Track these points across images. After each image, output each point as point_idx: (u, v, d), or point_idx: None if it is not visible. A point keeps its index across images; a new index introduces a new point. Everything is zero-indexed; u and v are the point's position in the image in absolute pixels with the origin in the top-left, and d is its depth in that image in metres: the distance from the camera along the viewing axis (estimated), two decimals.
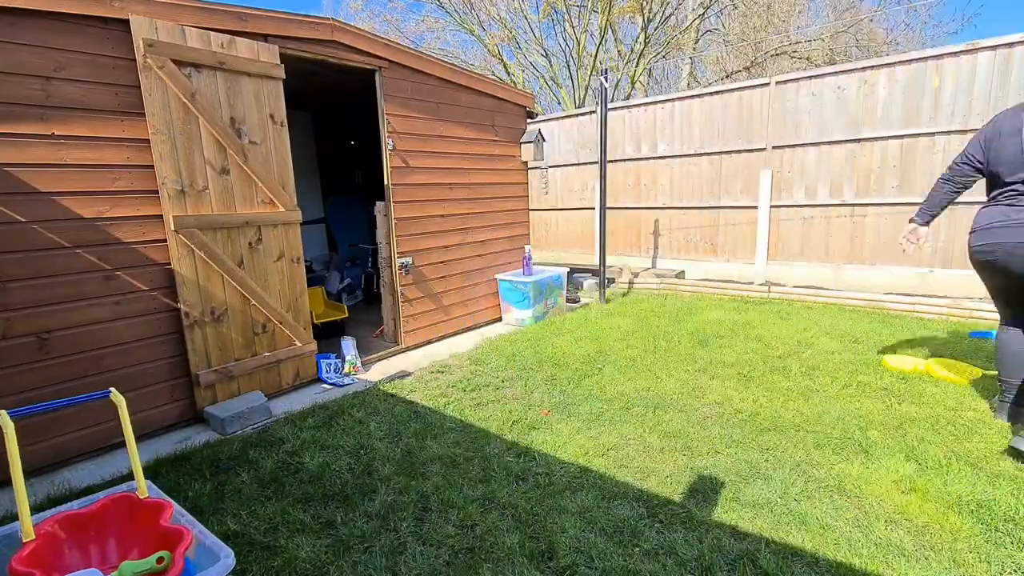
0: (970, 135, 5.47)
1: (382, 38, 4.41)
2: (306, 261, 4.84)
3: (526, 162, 5.89)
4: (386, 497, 2.47)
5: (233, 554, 1.59)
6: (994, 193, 2.83)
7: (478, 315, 5.63)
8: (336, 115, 7.28)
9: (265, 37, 3.55)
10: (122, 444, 2.79)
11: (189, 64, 3.15)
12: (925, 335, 4.57)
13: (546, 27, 17.81)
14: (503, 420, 3.24)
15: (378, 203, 4.65)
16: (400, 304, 4.73)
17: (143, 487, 1.81)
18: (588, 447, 2.87)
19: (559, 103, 17.67)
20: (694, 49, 17.33)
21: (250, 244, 3.56)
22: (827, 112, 6.33)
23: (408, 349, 4.87)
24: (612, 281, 7.47)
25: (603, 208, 6.24)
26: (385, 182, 4.52)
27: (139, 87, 2.98)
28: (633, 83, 17.08)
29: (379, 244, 4.77)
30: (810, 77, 6.43)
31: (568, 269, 6.61)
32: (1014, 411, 2.93)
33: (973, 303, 5.06)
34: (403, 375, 4.18)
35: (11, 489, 1.95)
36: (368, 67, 4.24)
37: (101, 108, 2.88)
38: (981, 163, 2.84)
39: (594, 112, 8.55)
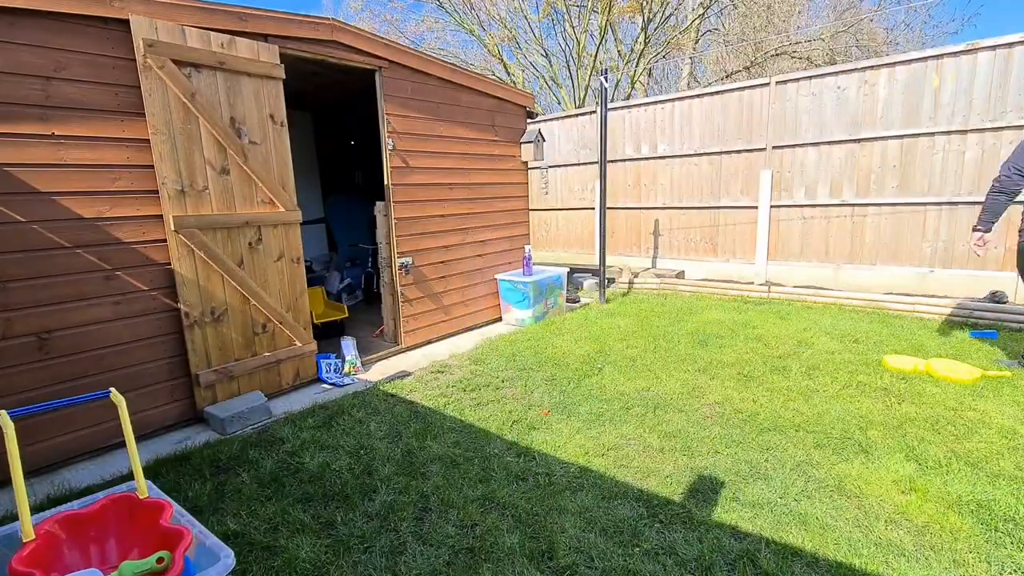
0: (970, 135, 5.50)
1: (382, 38, 4.41)
2: (306, 261, 4.84)
3: (526, 162, 5.89)
4: (386, 497, 2.47)
5: (233, 554, 1.59)
6: None
7: (478, 315, 5.63)
8: (336, 115, 7.28)
9: (265, 37, 3.55)
10: (122, 444, 2.79)
11: (189, 64, 3.15)
12: (925, 335, 4.57)
13: (546, 27, 17.83)
14: (503, 420, 3.24)
15: (378, 203, 4.65)
16: (400, 304, 4.73)
17: (143, 487, 1.81)
18: (588, 447, 2.87)
19: (559, 103, 17.68)
20: (694, 49, 17.33)
21: (250, 244, 3.56)
22: (827, 112, 6.33)
23: (408, 349, 4.87)
24: (612, 281, 7.47)
25: (603, 208, 6.24)
26: (385, 182, 4.52)
27: (139, 87, 2.98)
28: (633, 83, 17.08)
29: (379, 244, 4.77)
30: (810, 77, 6.43)
31: (568, 269, 6.61)
32: None
33: (973, 303, 5.06)
34: (403, 375, 4.18)
35: (11, 489, 1.95)
36: (368, 67, 4.24)
37: (101, 108, 2.88)
38: None
39: (594, 112, 8.55)
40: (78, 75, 2.80)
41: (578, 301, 6.55)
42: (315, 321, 4.53)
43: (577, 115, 8.91)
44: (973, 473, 2.47)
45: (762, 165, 6.89)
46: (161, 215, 3.14)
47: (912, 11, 15.08)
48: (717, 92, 7.23)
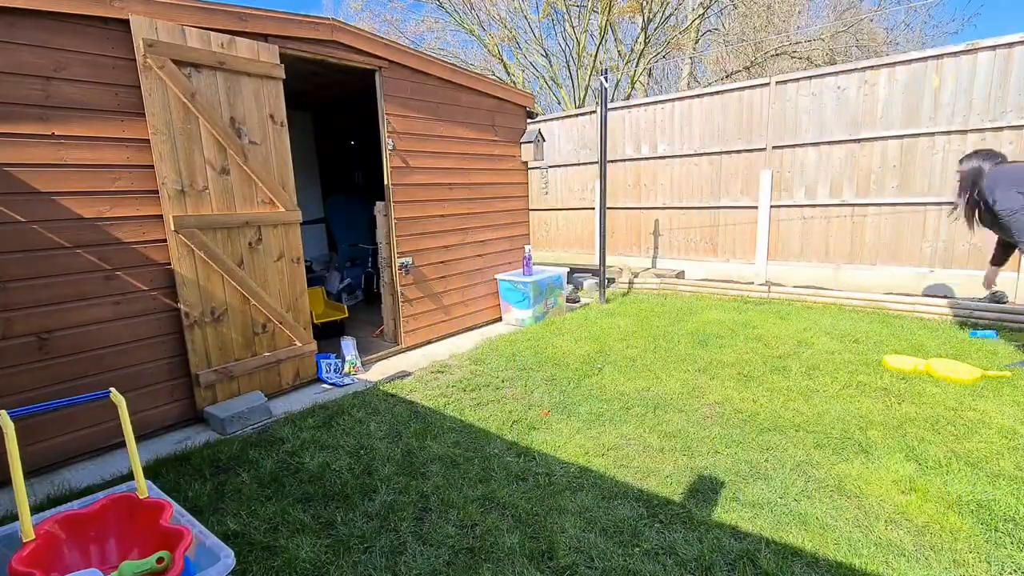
0: (970, 135, 5.50)
1: (382, 38, 4.41)
2: (306, 261, 4.84)
3: (526, 162, 5.89)
4: (386, 497, 2.47)
5: (233, 554, 1.59)
6: None
7: (478, 315, 5.63)
8: (336, 115, 7.28)
9: (265, 37, 3.55)
10: (122, 444, 2.79)
11: (189, 64, 3.15)
12: (925, 335, 4.57)
13: (546, 27, 17.82)
14: (503, 420, 3.24)
15: (378, 203, 4.65)
16: (400, 304, 4.73)
17: (143, 487, 1.81)
18: (588, 447, 2.87)
19: (559, 103, 17.68)
20: (694, 49, 17.33)
21: (250, 244, 3.56)
22: (827, 112, 6.33)
23: (408, 349, 4.87)
24: (612, 281, 7.47)
25: (603, 208, 6.24)
26: (385, 182, 4.52)
27: (139, 87, 2.98)
28: (633, 83, 17.08)
29: (379, 244, 4.77)
30: (810, 77, 6.43)
31: (568, 269, 6.61)
32: None
33: (974, 303, 5.06)
34: (403, 375, 4.18)
35: (11, 489, 1.95)
36: (368, 67, 4.24)
37: (101, 108, 2.88)
38: None
39: (594, 112, 8.55)
40: (78, 75, 2.80)
41: (578, 301, 6.55)
42: (315, 321, 4.53)
43: (577, 115, 8.91)
44: (973, 473, 2.47)
45: (762, 165, 6.89)
46: (161, 215, 3.14)
47: (912, 11, 15.09)
48: (717, 92, 7.23)
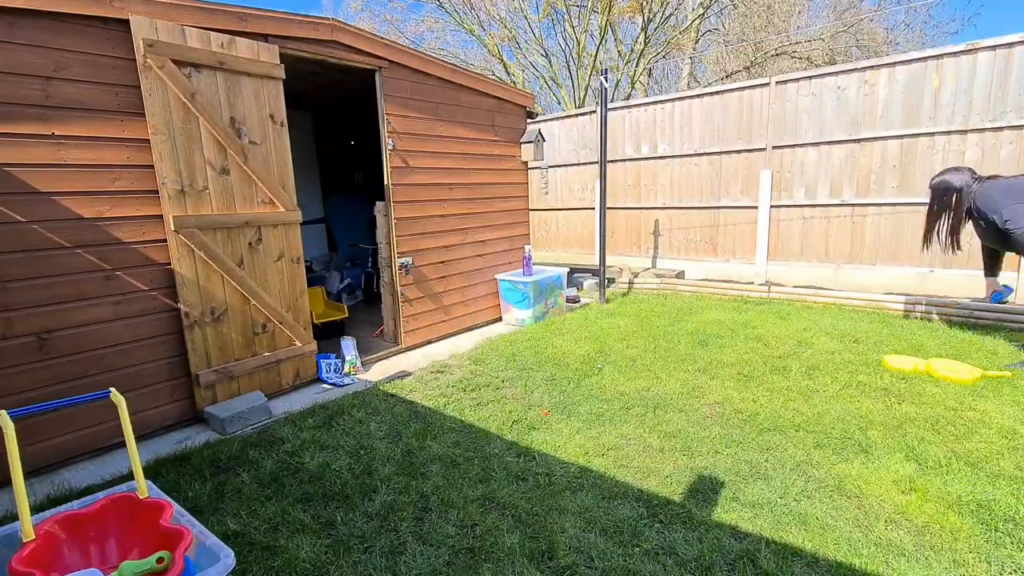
0: (970, 135, 5.50)
1: (382, 38, 4.41)
2: (306, 261, 4.84)
3: (526, 162, 5.89)
4: (386, 497, 2.47)
5: (233, 554, 1.59)
6: None
7: (478, 315, 5.63)
8: (336, 115, 7.28)
9: (265, 37, 3.55)
10: (122, 444, 2.79)
11: (189, 64, 3.15)
12: (925, 335, 4.57)
13: (546, 27, 17.82)
14: (503, 420, 3.24)
15: (378, 203, 4.65)
16: (400, 304, 4.73)
17: (143, 487, 1.81)
18: (588, 447, 2.87)
19: (559, 103, 17.68)
20: (694, 49, 17.33)
21: (250, 244, 3.56)
22: (827, 112, 6.33)
23: (408, 349, 4.87)
24: (612, 281, 7.47)
25: (603, 208, 6.24)
26: (385, 182, 4.52)
27: (139, 87, 2.98)
28: (633, 83, 17.08)
29: (379, 244, 4.77)
30: (810, 77, 6.43)
31: (568, 269, 6.61)
32: None
33: (974, 303, 5.06)
34: (403, 375, 4.18)
35: (11, 489, 1.95)
36: (368, 67, 4.24)
37: (101, 108, 2.88)
38: None
39: (594, 112, 8.55)
40: (78, 75, 2.80)
41: (578, 301, 6.55)
42: (315, 321, 4.53)
43: (577, 115, 8.91)
44: (973, 473, 2.47)
45: (762, 165, 6.89)
46: (161, 215, 3.14)
47: (912, 11, 15.09)
48: (717, 92, 7.23)
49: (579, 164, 8.92)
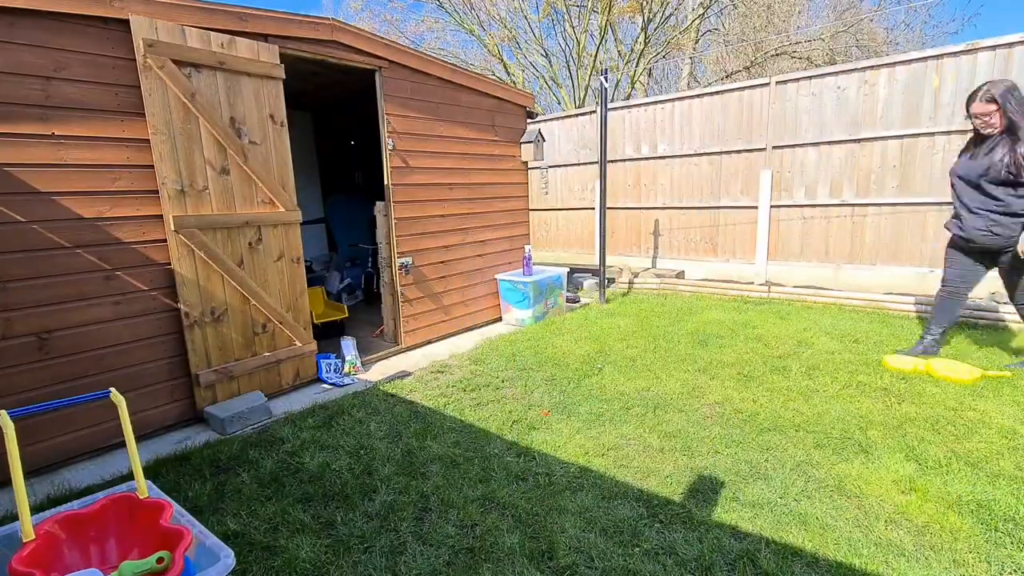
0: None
1: (382, 38, 4.41)
2: (306, 261, 4.84)
3: (526, 162, 5.89)
4: (386, 497, 2.47)
5: (233, 554, 1.59)
6: None
7: (478, 315, 5.63)
8: (336, 115, 7.28)
9: (265, 37, 3.55)
10: (122, 444, 2.79)
11: (189, 64, 3.15)
12: None
13: (546, 27, 17.83)
14: (503, 420, 3.24)
15: (378, 203, 4.65)
16: (400, 304, 4.73)
17: (143, 487, 1.81)
18: (588, 447, 2.87)
19: (559, 103, 17.68)
20: (694, 49, 17.33)
21: (250, 244, 3.56)
22: (827, 112, 6.33)
23: (408, 349, 4.87)
24: (612, 281, 7.47)
25: (603, 208, 6.24)
26: (385, 182, 4.52)
27: (139, 87, 2.98)
28: (633, 83, 17.08)
29: (379, 244, 4.77)
30: (810, 77, 6.43)
31: (568, 269, 6.61)
32: None
33: (973, 303, 5.05)
34: (403, 375, 4.18)
35: (11, 489, 1.95)
36: (368, 67, 4.24)
37: (101, 108, 2.88)
38: None
39: (594, 112, 8.55)
40: (78, 75, 2.80)
41: (578, 301, 6.55)
42: (315, 321, 4.53)
43: (577, 115, 8.91)
44: (973, 473, 2.47)
45: (762, 165, 6.89)
46: (161, 215, 3.14)
47: (912, 11, 15.09)
48: (717, 92, 7.23)
49: (579, 164, 8.92)
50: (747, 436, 2.93)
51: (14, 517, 1.77)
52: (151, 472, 2.72)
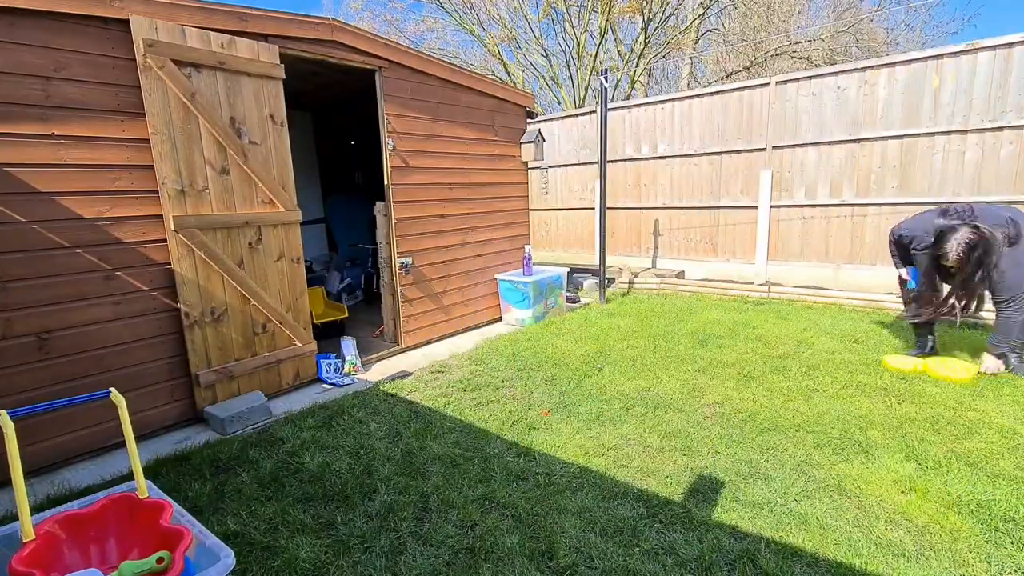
0: (970, 135, 5.50)
1: (382, 38, 4.41)
2: (306, 261, 4.84)
3: (526, 162, 5.89)
4: (386, 497, 2.47)
5: (233, 554, 1.59)
6: None
7: (478, 315, 5.63)
8: (336, 115, 7.28)
9: (265, 37, 3.55)
10: (122, 444, 2.79)
11: (189, 64, 3.15)
12: None
13: (546, 27, 17.82)
14: (503, 420, 3.24)
15: (378, 203, 4.65)
16: (400, 304, 4.73)
17: (143, 487, 1.81)
18: (588, 447, 2.87)
19: (559, 103, 17.67)
20: (694, 49, 17.33)
21: (250, 244, 3.56)
22: (827, 112, 6.33)
23: (408, 349, 4.87)
24: (612, 281, 7.47)
25: (603, 208, 6.24)
26: (385, 182, 4.52)
27: (139, 87, 2.98)
28: (633, 83, 17.08)
29: (379, 244, 4.77)
30: (810, 77, 6.43)
31: (568, 269, 6.61)
32: None
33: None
34: (403, 375, 4.18)
35: (11, 489, 1.95)
36: (368, 67, 4.24)
37: (101, 108, 2.88)
38: None
39: (594, 112, 8.55)
40: (78, 75, 2.80)
41: (578, 301, 6.55)
42: (315, 321, 4.53)
43: (577, 115, 8.91)
44: (973, 473, 2.47)
45: (762, 165, 6.89)
46: (161, 215, 3.14)
47: (912, 11, 15.09)
48: (717, 92, 7.23)
49: (579, 164, 8.92)
50: (747, 436, 2.93)
51: (14, 517, 1.77)
52: (151, 472, 2.72)
